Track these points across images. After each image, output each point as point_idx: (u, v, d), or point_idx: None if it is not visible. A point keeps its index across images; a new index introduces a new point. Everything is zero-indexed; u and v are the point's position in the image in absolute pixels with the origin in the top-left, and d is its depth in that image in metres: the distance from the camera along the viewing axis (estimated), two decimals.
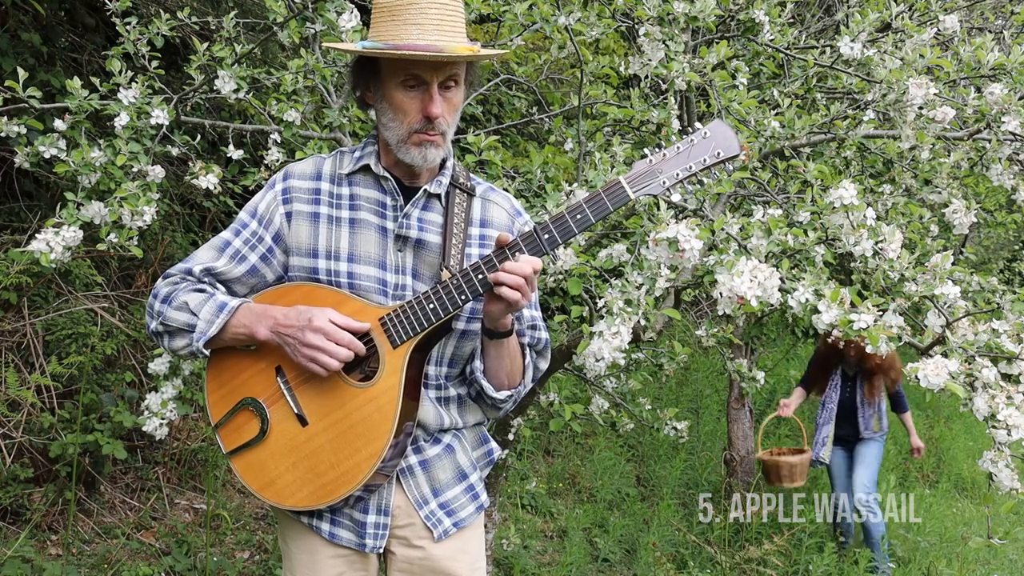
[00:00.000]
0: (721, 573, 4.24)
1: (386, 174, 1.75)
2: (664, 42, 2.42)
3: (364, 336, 1.67)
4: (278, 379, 1.73)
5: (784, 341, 7.85)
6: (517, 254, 1.62)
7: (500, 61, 3.55)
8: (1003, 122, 2.38)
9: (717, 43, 2.59)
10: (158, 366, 2.42)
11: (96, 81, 2.42)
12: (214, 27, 2.88)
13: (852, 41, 2.60)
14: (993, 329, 1.85)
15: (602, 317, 1.88)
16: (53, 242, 2.16)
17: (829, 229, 2.04)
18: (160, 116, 2.40)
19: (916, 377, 1.75)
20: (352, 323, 1.65)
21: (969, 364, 1.79)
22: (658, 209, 1.88)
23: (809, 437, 5.02)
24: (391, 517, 1.77)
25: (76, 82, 2.36)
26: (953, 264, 1.96)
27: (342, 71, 2.84)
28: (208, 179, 2.49)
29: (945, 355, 1.83)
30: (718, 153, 1.68)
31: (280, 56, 4.53)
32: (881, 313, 1.84)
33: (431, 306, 1.65)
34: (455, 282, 1.65)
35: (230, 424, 1.76)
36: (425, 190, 1.75)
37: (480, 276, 1.63)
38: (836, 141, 2.80)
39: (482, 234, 1.81)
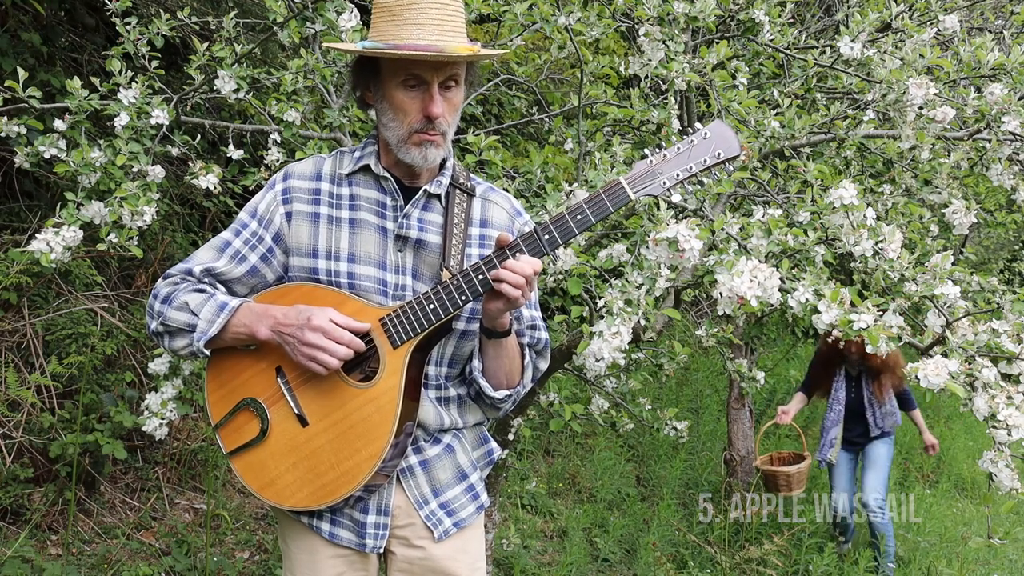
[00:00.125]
0: (721, 573, 4.24)
1: (386, 174, 1.75)
2: (664, 42, 2.42)
3: (364, 336, 1.67)
4: (278, 379, 1.73)
5: (784, 341, 7.85)
6: (517, 254, 1.62)
7: (500, 61, 3.55)
8: (1003, 122, 2.38)
9: (717, 43, 2.59)
10: (158, 366, 2.42)
11: (96, 81, 2.42)
12: (214, 27, 2.88)
13: (852, 41, 2.60)
14: (993, 329, 1.85)
15: (602, 317, 1.88)
16: (53, 242, 2.16)
17: (829, 229, 2.04)
18: (160, 116, 2.40)
19: (916, 377, 1.76)
20: (352, 323, 1.65)
21: (969, 364, 1.79)
22: (658, 209, 1.88)
23: (811, 444, 4.99)
24: (391, 517, 1.77)
25: (76, 82, 2.36)
26: (953, 264, 1.97)
27: (342, 71, 2.84)
28: (208, 179, 2.49)
29: (945, 355, 1.83)
30: (718, 153, 1.68)
31: (280, 56, 4.53)
32: (881, 313, 1.84)
33: (431, 306, 1.65)
34: (455, 282, 1.65)
35: (230, 424, 1.76)
36: (425, 190, 1.75)
37: (480, 276, 1.63)
38: (836, 141, 2.80)
39: (482, 234, 1.81)
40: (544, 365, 1.89)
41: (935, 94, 2.41)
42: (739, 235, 2.00)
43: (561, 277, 2.37)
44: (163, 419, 2.36)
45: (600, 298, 1.94)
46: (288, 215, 1.76)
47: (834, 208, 1.98)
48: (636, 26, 2.63)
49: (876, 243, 1.96)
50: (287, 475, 1.72)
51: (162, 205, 4.38)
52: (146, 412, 2.38)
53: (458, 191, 1.79)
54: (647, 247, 1.84)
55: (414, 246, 1.75)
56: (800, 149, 2.88)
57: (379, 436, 1.67)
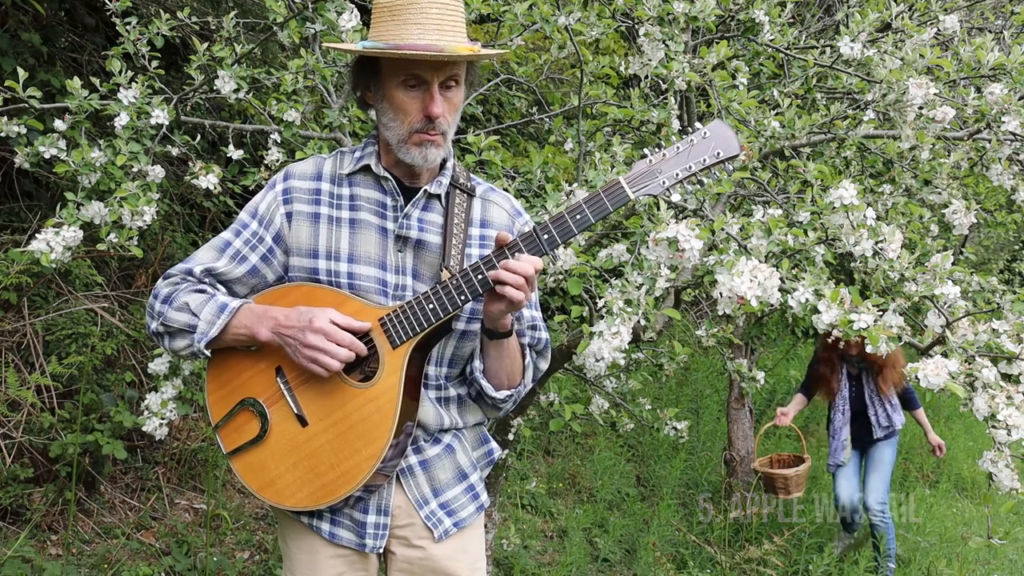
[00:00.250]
0: (721, 573, 4.24)
1: (386, 174, 1.75)
2: (664, 42, 2.42)
3: (364, 336, 1.67)
4: (278, 379, 1.73)
5: (784, 341, 7.85)
6: (517, 254, 1.62)
7: (500, 61, 3.55)
8: (1003, 122, 2.38)
9: (717, 43, 2.59)
10: (158, 366, 2.42)
11: (96, 81, 2.42)
12: (214, 27, 2.88)
13: (852, 41, 2.60)
14: (993, 329, 1.85)
15: (602, 317, 1.88)
16: (53, 242, 2.16)
17: (829, 229, 2.04)
18: (160, 116, 2.40)
19: (916, 377, 1.76)
20: (353, 323, 1.65)
21: (969, 364, 1.79)
22: (658, 209, 1.88)
23: (811, 445, 4.97)
24: (391, 517, 1.77)
25: (76, 82, 2.36)
26: (953, 264, 1.97)
27: (342, 71, 2.84)
28: (208, 179, 2.49)
29: (945, 355, 1.83)
30: (718, 153, 1.68)
31: (280, 56, 4.53)
32: (881, 313, 1.84)
33: (431, 306, 1.65)
34: (455, 282, 1.65)
35: (230, 424, 1.76)
36: (425, 190, 1.75)
37: (480, 276, 1.63)
38: (836, 141, 2.80)
39: (482, 234, 1.81)
40: (545, 365, 1.89)
41: (935, 94, 2.41)
42: (739, 235, 2.00)
43: (561, 277, 2.37)
44: (163, 419, 2.36)
45: (600, 298, 1.94)
46: (288, 215, 1.76)
47: (834, 208, 1.98)
48: (636, 26, 2.63)
49: (876, 243, 1.96)
50: (287, 475, 1.72)
51: (162, 205, 4.38)
52: (146, 412, 2.38)
53: (458, 191, 1.79)
54: (647, 247, 1.84)
55: (414, 246, 1.75)
56: (800, 149, 2.88)
57: (379, 436, 1.67)
